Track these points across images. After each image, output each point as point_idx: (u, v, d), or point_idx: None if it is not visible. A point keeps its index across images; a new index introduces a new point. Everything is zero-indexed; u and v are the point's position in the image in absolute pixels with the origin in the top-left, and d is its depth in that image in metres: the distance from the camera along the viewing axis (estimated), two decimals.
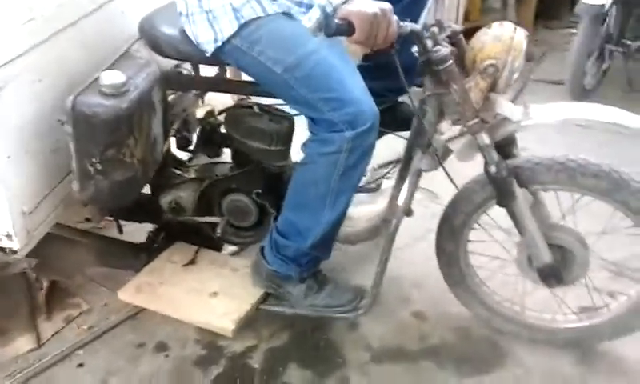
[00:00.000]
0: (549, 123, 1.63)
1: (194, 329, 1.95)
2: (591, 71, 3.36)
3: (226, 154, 2.02)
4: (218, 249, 2.06)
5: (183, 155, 2.08)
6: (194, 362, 1.91)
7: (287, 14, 1.60)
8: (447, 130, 1.72)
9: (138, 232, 2.15)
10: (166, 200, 1.95)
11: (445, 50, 1.53)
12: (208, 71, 1.96)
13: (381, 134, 1.89)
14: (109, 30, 1.85)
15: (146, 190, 2.01)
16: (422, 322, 2.03)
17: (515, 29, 1.59)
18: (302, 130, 1.74)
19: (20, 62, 1.54)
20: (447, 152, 1.71)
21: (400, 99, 2.11)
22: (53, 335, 2.01)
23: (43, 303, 2.08)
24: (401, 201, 1.77)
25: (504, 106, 1.62)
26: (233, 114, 1.87)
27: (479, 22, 3.70)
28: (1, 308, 2.04)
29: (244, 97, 1.94)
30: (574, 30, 3.27)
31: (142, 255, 2.01)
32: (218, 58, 1.68)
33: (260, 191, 1.89)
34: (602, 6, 3.08)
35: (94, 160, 1.60)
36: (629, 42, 3.39)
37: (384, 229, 1.86)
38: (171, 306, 1.84)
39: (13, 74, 1.52)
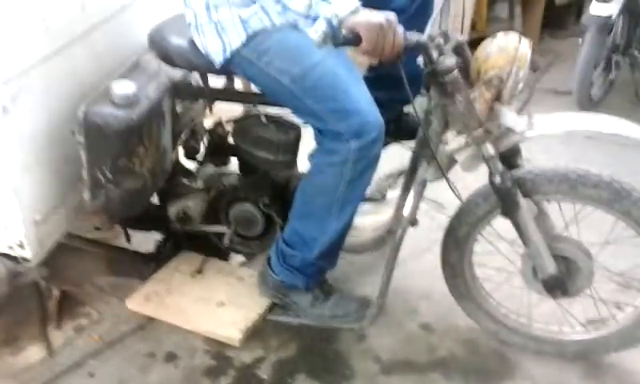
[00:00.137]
0: (553, 134, 1.64)
1: (203, 339, 1.95)
2: (598, 82, 3.36)
3: (234, 164, 2.04)
4: (225, 258, 2.08)
5: (191, 164, 2.10)
6: (203, 372, 1.91)
7: (294, 26, 1.62)
8: (452, 140, 1.73)
9: (146, 241, 2.17)
10: (173, 209, 1.97)
11: (450, 60, 1.55)
12: (216, 81, 1.99)
13: (386, 144, 1.91)
14: (119, 41, 1.88)
15: (155, 199, 2.03)
16: (430, 334, 2.02)
17: (520, 39, 1.60)
18: (309, 140, 1.76)
19: (33, 73, 1.56)
20: (452, 162, 1.72)
21: (405, 109, 2.12)
22: (63, 344, 2.02)
23: (54, 312, 2.09)
24: (406, 211, 1.78)
25: (508, 116, 1.63)
26: (240, 124, 1.90)
27: (486, 31, 3.71)
28: (12, 317, 2.06)
29: (252, 107, 1.96)
30: (580, 40, 3.27)
31: (150, 264, 2.03)
32: (226, 68, 1.71)
33: (267, 201, 1.91)
34: (609, 16, 3.09)
35: (104, 169, 1.63)
36: (636, 53, 3.38)
37: (389, 239, 1.87)
38: (179, 316, 1.86)
39: (26, 85, 1.54)
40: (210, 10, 1.63)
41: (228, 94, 1.96)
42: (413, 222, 1.85)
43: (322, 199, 1.66)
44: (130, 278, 2.02)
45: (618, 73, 3.48)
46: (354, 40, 1.39)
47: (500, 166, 1.63)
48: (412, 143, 1.80)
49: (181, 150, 2.04)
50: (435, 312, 2.08)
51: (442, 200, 2.30)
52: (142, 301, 1.89)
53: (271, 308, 1.86)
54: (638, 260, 1.70)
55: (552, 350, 1.89)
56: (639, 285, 1.74)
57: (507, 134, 1.64)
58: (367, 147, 1.58)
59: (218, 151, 2.01)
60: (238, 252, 2.05)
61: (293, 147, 1.84)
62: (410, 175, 1.80)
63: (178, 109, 1.97)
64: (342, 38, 1.39)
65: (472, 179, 1.72)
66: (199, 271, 1.99)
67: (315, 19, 1.43)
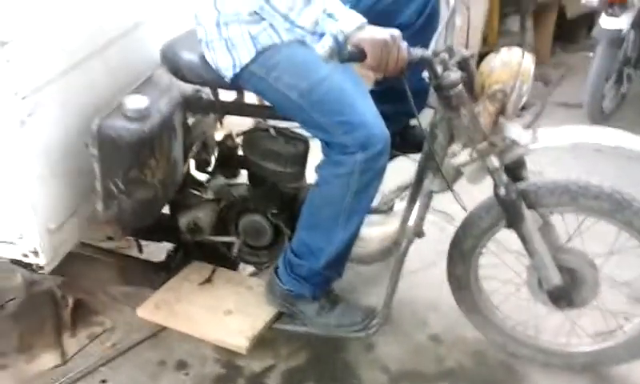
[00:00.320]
0: (556, 146, 1.66)
1: (214, 347, 1.98)
2: (610, 94, 3.36)
3: (244, 176, 2.06)
4: (234, 268, 2.10)
5: (202, 176, 2.14)
6: (212, 381, 1.95)
7: (301, 42, 1.66)
8: (457, 153, 1.75)
9: (158, 252, 2.20)
10: (184, 220, 2.00)
11: (454, 75, 1.57)
12: (227, 95, 2.03)
13: (392, 157, 1.93)
14: (132, 57, 1.92)
15: (166, 210, 2.07)
16: (438, 345, 2.04)
17: (523, 54, 1.63)
18: (317, 153, 1.79)
19: (49, 88, 1.61)
20: (457, 174, 1.74)
21: (412, 122, 2.15)
22: (77, 352, 2.06)
23: (68, 320, 2.14)
24: (412, 222, 1.80)
25: (512, 129, 1.65)
26: (250, 137, 1.93)
27: (497, 45, 3.73)
28: (27, 325, 2.12)
29: (262, 120, 2.00)
30: (591, 54, 3.28)
31: (160, 274, 2.06)
32: (236, 83, 1.75)
33: (275, 212, 1.94)
34: (620, 29, 3.09)
35: (117, 181, 1.67)
36: None
37: (396, 250, 1.89)
38: (187, 324, 1.88)
39: (42, 100, 1.59)
40: (220, 27, 1.68)
41: (238, 108, 1.99)
42: (419, 233, 1.87)
43: (328, 210, 1.69)
44: (141, 287, 2.05)
45: (630, 86, 3.49)
46: (359, 56, 1.42)
47: (504, 178, 1.66)
48: (418, 156, 1.83)
49: (192, 162, 2.08)
50: (443, 323, 2.09)
51: (450, 212, 2.31)
52: (152, 309, 1.92)
53: (278, 317, 1.87)
54: None
55: (560, 361, 1.90)
56: None
57: (512, 147, 1.66)
58: (373, 159, 1.60)
59: (228, 163, 2.04)
60: (246, 262, 2.07)
61: (301, 159, 1.87)
62: (415, 187, 1.82)
63: (190, 122, 2.01)
64: (347, 54, 1.42)
65: (479, 191, 1.74)
66: (208, 280, 2.01)
67: (322, 35, 1.47)
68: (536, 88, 3.94)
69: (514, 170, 1.72)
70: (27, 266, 1.69)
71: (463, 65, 1.64)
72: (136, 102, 1.66)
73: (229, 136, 2.04)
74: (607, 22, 3.11)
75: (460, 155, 1.68)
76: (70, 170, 1.72)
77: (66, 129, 1.69)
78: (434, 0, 1.87)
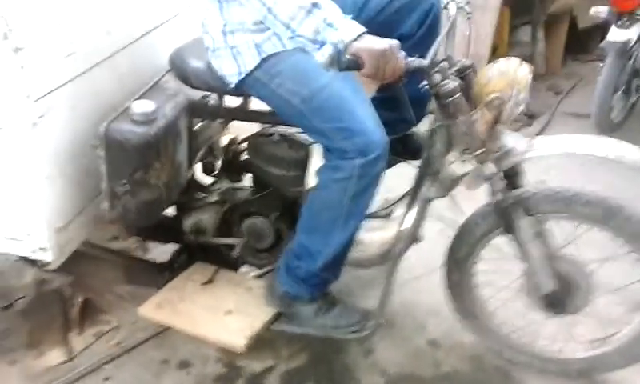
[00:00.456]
0: (552, 155, 1.68)
1: (216, 347, 2.02)
2: (618, 105, 3.35)
3: (248, 180, 2.11)
4: (236, 269, 2.14)
5: (208, 180, 2.18)
6: (213, 380, 1.98)
7: (304, 50, 1.71)
8: (455, 159, 1.78)
9: (164, 252, 2.25)
10: (188, 222, 2.06)
11: (452, 83, 1.60)
12: (233, 101, 2.08)
13: (394, 163, 1.97)
14: (141, 63, 1.97)
15: (171, 212, 2.12)
16: (437, 349, 2.06)
17: (520, 64, 1.66)
18: (319, 158, 1.82)
19: (60, 92, 1.67)
20: (456, 181, 1.77)
21: (414, 129, 2.18)
22: (83, 349, 2.11)
23: (76, 319, 2.19)
24: (408, 227, 1.83)
25: (509, 137, 1.68)
26: (254, 142, 1.98)
27: (508, 55, 3.73)
28: (36, 322, 2.17)
29: (267, 125, 2.05)
30: (601, 64, 3.29)
31: (164, 273, 2.11)
32: (241, 89, 1.79)
33: (277, 215, 1.98)
34: (627, 41, 3.10)
35: (123, 181, 1.72)
36: None
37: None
38: (188, 322, 1.92)
39: (53, 103, 1.65)
40: (226, 35, 1.73)
41: (243, 114, 2.03)
42: (417, 238, 1.90)
43: (327, 213, 1.72)
44: (146, 287, 2.09)
45: (639, 97, 3.48)
46: (357, 64, 1.46)
47: (501, 184, 1.68)
48: (418, 162, 1.86)
49: (199, 166, 2.13)
50: (443, 328, 2.11)
51: (455, 218, 2.33)
52: (154, 307, 1.96)
53: (277, 317, 1.91)
54: (636, 276, 1.72)
55: (556, 368, 1.91)
56: (637, 301, 1.76)
57: (508, 154, 1.68)
58: (371, 164, 1.64)
59: (233, 167, 2.09)
60: (248, 263, 2.11)
61: (303, 164, 1.90)
62: (414, 193, 1.86)
63: (197, 127, 2.07)
64: (345, 62, 1.46)
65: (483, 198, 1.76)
66: (210, 281, 2.05)
67: (322, 44, 1.51)
68: (546, 98, 3.97)
69: (512, 178, 1.75)
70: (35, 262, 1.75)
71: (463, 74, 1.68)
72: (142, 107, 1.71)
73: (233, 140, 2.09)
74: (616, 34, 3.12)
75: (457, 161, 1.71)
76: (77, 170, 1.77)
77: (75, 131, 1.75)
78: (435, 11, 1.89)
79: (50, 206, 1.70)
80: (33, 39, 1.57)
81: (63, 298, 2.24)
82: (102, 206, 1.77)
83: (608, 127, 3.27)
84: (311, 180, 1.82)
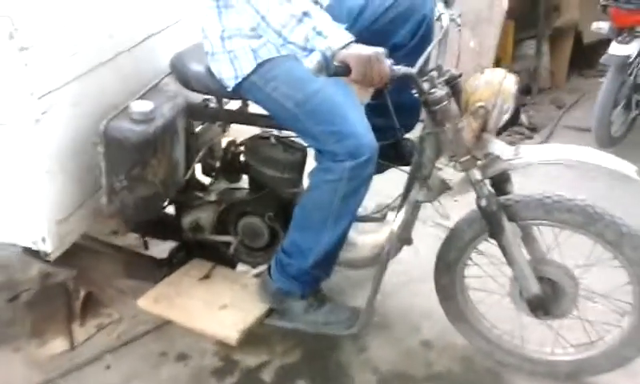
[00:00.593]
0: (539, 162, 1.73)
1: (214, 341, 2.07)
2: (619, 120, 3.37)
3: (245, 181, 2.15)
4: (232, 266, 2.19)
5: (207, 180, 2.24)
6: (210, 372, 2.04)
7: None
8: (444, 165, 1.83)
9: (163, 249, 2.31)
10: (187, 220, 2.12)
11: (440, 92, 1.66)
12: (232, 105, 2.14)
13: (385, 168, 2.03)
14: (143, 65, 2.04)
15: (171, 210, 2.18)
16: (429, 350, 2.09)
17: (505, 75, 1.71)
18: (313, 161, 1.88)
19: (62, 91, 1.74)
20: (444, 186, 1.82)
21: (407, 135, 2.23)
22: (85, 340, 2.18)
23: (79, 311, 2.25)
24: (397, 229, 1.87)
25: (495, 145, 1.73)
26: (251, 144, 2.04)
27: (512, 68, 3.77)
28: (40, 313, 2.24)
29: (266, 128, 2.10)
30: (602, 79, 3.32)
31: (163, 269, 2.17)
32: (238, 92, 1.86)
33: (272, 215, 2.03)
34: (627, 56, 3.13)
35: (121, 177, 1.79)
36: None
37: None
38: (184, 316, 1.98)
39: (55, 101, 1.72)
40: (224, 41, 1.79)
41: (242, 117, 2.10)
42: (407, 241, 1.95)
43: (318, 213, 1.78)
44: (145, 281, 2.15)
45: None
46: (345, 71, 1.51)
47: (486, 190, 1.73)
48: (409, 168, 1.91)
49: (199, 167, 2.19)
50: (436, 330, 2.15)
51: (449, 223, 2.37)
52: (152, 301, 2.02)
53: (269, 313, 1.96)
54: (619, 281, 1.75)
55: (545, 370, 1.95)
56: (623, 306, 1.79)
57: (495, 161, 1.73)
58: (360, 167, 1.69)
59: (231, 168, 2.14)
60: (243, 261, 2.16)
61: (298, 167, 1.96)
62: (404, 196, 1.91)
63: (197, 129, 2.13)
64: (333, 69, 1.51)
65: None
66: (207, 276, 2.10)
67: (312, 51, 1.56)
68: (549, 111, 4.00)
69: (499, 185, 1.80)
70: (37, 253, 1.82)
71: (452, 83, 1.73)
72: (141, 106, 1.78)
73: (232, 142, 2.15)
74: (616, 49, 3.15)
75: (447, 168, 1.76)
76: (78, 166, 1.84)
77: (76, 128, 1.81)
78: (428, 21, 1.95)
79: (51, 199, 1.77)
80: (37, 39, 1.64)
81: (67, 291, 2.30)
82: (101, 201, 1.84)
83: (608, 141, 3.29)
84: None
